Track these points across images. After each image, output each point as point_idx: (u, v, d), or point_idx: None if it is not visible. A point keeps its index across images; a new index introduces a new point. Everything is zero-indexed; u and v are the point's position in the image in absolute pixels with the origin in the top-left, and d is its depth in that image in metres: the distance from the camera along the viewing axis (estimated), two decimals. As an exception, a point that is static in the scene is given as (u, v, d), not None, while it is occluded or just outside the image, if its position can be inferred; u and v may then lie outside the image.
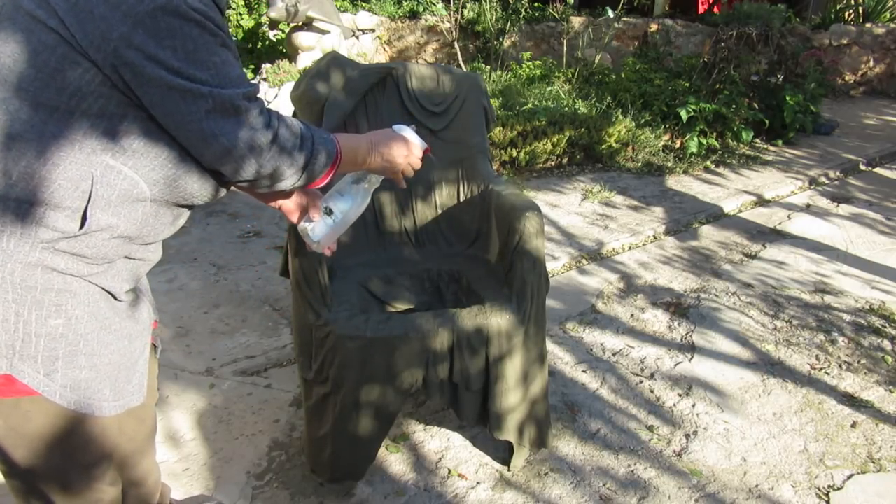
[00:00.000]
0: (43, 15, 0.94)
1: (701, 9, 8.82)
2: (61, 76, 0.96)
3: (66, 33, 0.94)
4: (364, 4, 7.68)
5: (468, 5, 7.38)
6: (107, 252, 1.07)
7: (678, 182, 4.85)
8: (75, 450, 1.14)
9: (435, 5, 7.43)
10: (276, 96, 5.09)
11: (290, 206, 1.41)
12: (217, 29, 1.03)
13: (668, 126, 5.52)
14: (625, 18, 7.51)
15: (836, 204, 4.55)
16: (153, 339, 1.33)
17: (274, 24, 5.58)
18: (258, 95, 1.11)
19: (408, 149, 1.38)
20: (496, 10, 7.22)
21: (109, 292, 1.12)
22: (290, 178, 1.15)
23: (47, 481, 1.14)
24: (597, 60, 6.69)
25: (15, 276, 0.99)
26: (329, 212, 1.37)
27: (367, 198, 1.42)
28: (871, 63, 8.06)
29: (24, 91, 0.96)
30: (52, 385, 1.05)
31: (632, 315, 2.98)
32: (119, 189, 1.03)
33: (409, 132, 1.40)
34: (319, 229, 1.38)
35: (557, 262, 3.44)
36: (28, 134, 0.97)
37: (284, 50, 5.80)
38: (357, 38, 6.86)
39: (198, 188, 1.12)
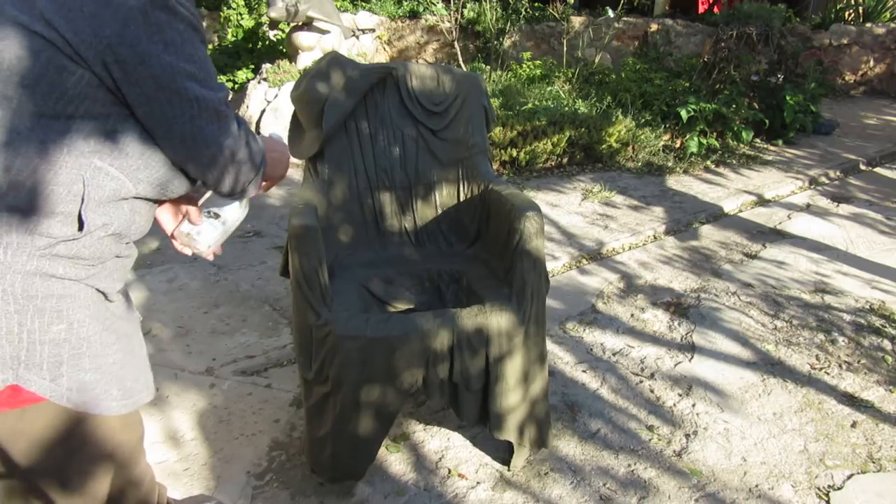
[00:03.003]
0: (27, 20, 0.93)
1: (701, 9, 8.82)
2: (46, 81, 0.95)
3: (52, 35, 0.94)
4: (364, 4, 7.67)
5: (468, 5, 7.38)
6: (102, 251, 1.08)
7: (678, 182, 4.85)
8: (79, 449, 1.14)
9: (435, 5, 7.43)
10: (276, 96, 5.09)
11: (166, 211, 1.31)
12: (199, 25, 1.05)
13: (668, 126, 5.52)
14: (625, 18, 7.51)
15: (836, 204, 4.55)
16: None
17: (274, 24, 5.58)
18: (230, 104, 1.13)
19: (288, 156, 1.40)
20: (496, 9, 7.22)
21: (103, 293, 1.12)
22: (253, 185, 1.20)
23: (50, 481, 1.14)
24: (597, 60, 6.69)
25: (16, 286, 0.99)
26: (216, 216, 1.33)
27: (248, 204, 1.41)
28: (871, 63, 8.06)
29: (8, 99, 0.95)
30: (59, 389, 1.05)
31: (632, 315, 2.98)
32: (108, 190, 1.03)
33: (279, 136, 1.42)
34: (208, 234, 1.33)
35: (557, 262, 3.44)
36: (16, 142, 0.96)
37: (284, 50, 5.80)
38: (357, 38, 6.86)
39: (177, 185, 1.14)
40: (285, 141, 1.43)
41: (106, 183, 1.03)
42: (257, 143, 1.19)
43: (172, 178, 1.12)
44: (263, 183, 1.31)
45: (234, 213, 1.37)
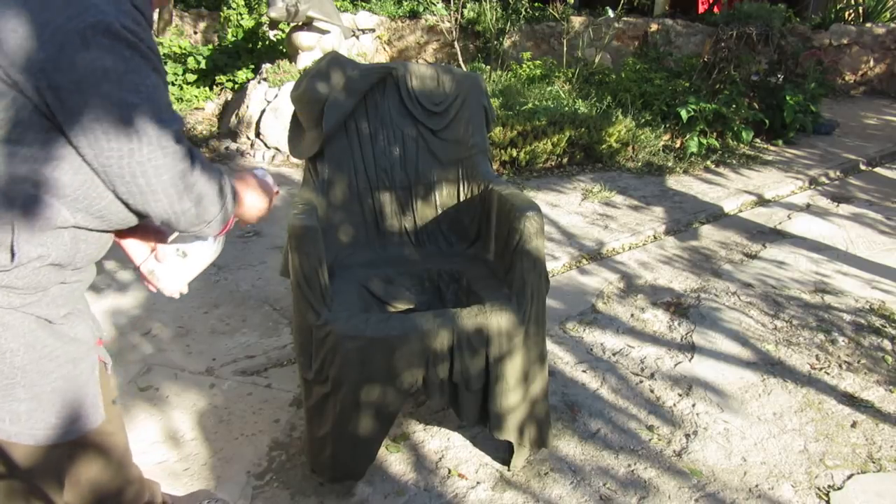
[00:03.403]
0: None
1: (701, 9, 8.81)
2: None
3: None
4: (364, 4, 7.67)
5: (468, 5, 7.38)
6: (39, 281, 1.03)
7: (678, 182, 4.85)
8: (26, 476, 1.11)
9: (435, 5, 7.43)
10: (276, 96, 5.09)
11: (136, 244, 1.27)
12: (149, 51, 0.98)
13: (668, 126, 5.52)
14: (625, 18, 7.51)
15: (836, 204, 4.55)
16: (101, 357, 1.27)
17: (274, 24, 5.58)
18: (184, 136, 1.05)
19: (271, 195, 1.33)
20: (496, 9, 7.21)
21: (46, 319, 1.07)
22: (200, 229, 1.10)
23: (49, 482, 1.13)
24: (597, 60, 6.69)
25: None
26: (184, 254, 1.28)
27: (223, 241, 1.34)
28: (871, 63, 8.06)
29: None
30: None
31: (632, 315, 2.98)
32: (42, 219, 0.98)
33: (265, 176, 1.36)
34: (173, 273, 1.29)
35: (557, 262, 3.44)
36: None
37: (284, 50, 5.80)
38: (357, 38, 6.86)
39: (123, 217, 1.07)
40: (270, 180, 1.35)
41: (39, 210, 0.97)
42: (218, 178, 1.09)
43: (116, 211, 1.04)
44: (236, 220, 1.23)
45: (204, 252, 1.31)
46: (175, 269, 1.29)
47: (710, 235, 3.95)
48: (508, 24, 7.31)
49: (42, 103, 0.93)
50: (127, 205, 1.03)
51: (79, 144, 0.95)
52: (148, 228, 1.24)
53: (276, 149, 5.02)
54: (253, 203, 1.27)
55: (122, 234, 1.23)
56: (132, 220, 1.09)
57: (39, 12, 0.91)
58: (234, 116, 5.21)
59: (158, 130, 0.97)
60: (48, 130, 0.95)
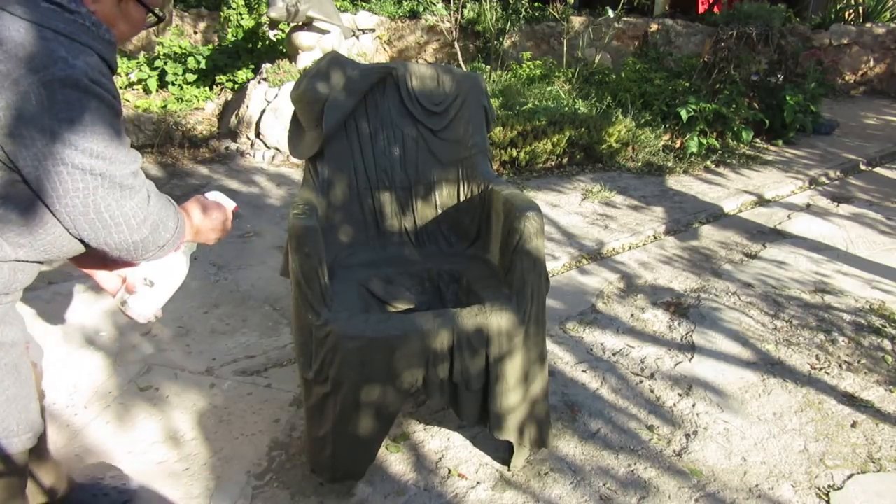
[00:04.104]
0: None
1: (701, 9, 8.81)
2: None
3: None
4: (364, 4, 7.67)
5: (468, 5, 7.38)
6: None
7: (678, 182, 4.85)
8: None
9: (435, 5, 7.43)
10: (276, 96, 5.09)
11: (106, 276, 1.36)
12: (113, 99, 1.04)
13: (668, 126, 5.52)
14: (625, 18, 7.51)
15: (836, 204, 4.55)
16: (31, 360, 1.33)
17: (274, 24, 5.57)
18: (141, 174, 1.12)
19: (223, 216, 1.40)
20: (496, 9, 7.21)
21: None
22: (154, 254, 1.17)
23: None
24: (597, 60, 6.69)
25: None
26: (150, 283, 1.34)
27: (188, 264, 1.41)
28: (872, 63, 8.06)
29: None
30: None
31: (632, 315, 2.98)
32: None
33: (221, 197, 1.43)
34: (140, 302, 1.35)
35: (557, 262, 3.44)
36: None
37: (284, 50, 5.79)
38: (357, 38, 6.86)
39: (69, 249, 1.13)
40: (222, 198, 1.43)
41: None
42: (169, 206, 1.18)
43: (61, 245, 1.11)
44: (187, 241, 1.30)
45: (173, 276, 1.37)
46: (144, 298, 1.35)
47: (710, 235, 3.95)
48: (508, 24, 7.31)
49: (1, 151, 0.97)
50: (83, 240, 1.09)
51: (36, 186, 1.01)
52: (117, 262, 1.29)
53: (276, 149, 5.01)
54: (205, 223, 1.34)
55: (91, 267, 1.32)
56: (75, 252, 1.16)
57: (3, 62, 0.94)
58: (234, 116, 5.21)
59: (120, 169, 1.05)
60: (1, 169, 1.00)
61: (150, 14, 1.18)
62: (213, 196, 1.43)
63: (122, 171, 1.05)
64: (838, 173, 5.20)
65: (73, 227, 1.06)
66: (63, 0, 1.01)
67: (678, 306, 3.06)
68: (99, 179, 1.02)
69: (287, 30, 5.51)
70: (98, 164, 1.01)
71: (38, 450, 1.51)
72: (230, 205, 1.44)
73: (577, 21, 7.34)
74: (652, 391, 2.43)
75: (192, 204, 1.34)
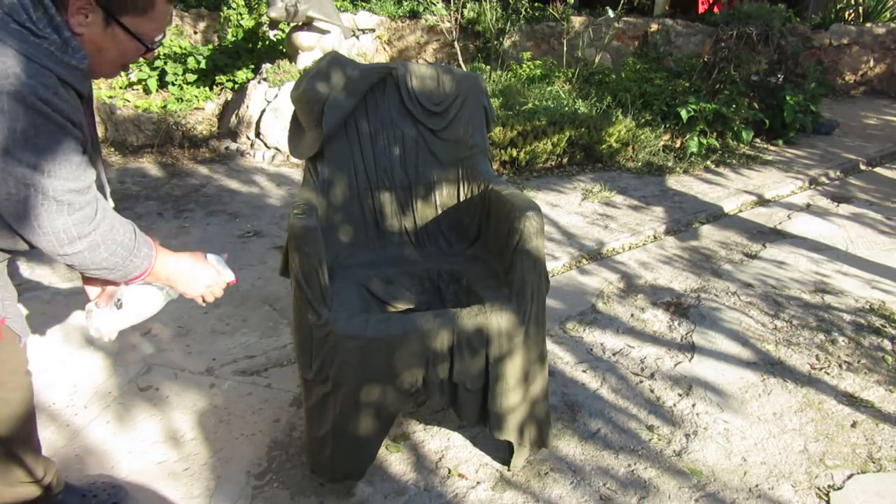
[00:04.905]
0: None
1: (701, 9, 8.81)
2: None
3: None
4: (364, 4, 7.67)
5: (468, 5, 7.38)
6: None
7: (678, 182, 4.85)
8: None
9: (435, 5, 7.43)
10: (276, 96, 5.09)
11: (94, 284, 1.43)
12: (64, 121, 1.10)
13: (668, 126, 5.52)
14: (625, 18, 7.51)
15: (836, 204, 4.55)
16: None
17: (274, 24, 5.57)
18: (90, 193, 1.18)
19: (213, 279, 1.44)
20: (496, 9, 7.21)
21: None
22: (100, 273, 1.23)
23: None
24: (597, 60, 6.69)
25: None
26: (119, 305, 1.38)
27: (162, 304, 1.45)
28: (872, 63, 8.06)
29: None
30: None
31: (632, 315, 2.98)
32: None
33: (220, 263, 1.46)
34: (102, 318, 1.38)
35: (557, 262, 3.44)
36: None
37: (284, 50, 5.79)
38: (357, 37, 6.85)
39: (12, 242, 1.19)
40: (224, 266, 1.48)
41: None
42: (120, 238, 1.22)
43: (10, 236, 1.19)
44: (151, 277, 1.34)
45: (143, 306, 1.39)
46: (108, 316, 1.38)
47: (710, 235, 3.95)
48: (508, 24, 7.31)
49: None
50: (20, 234, 1.17)
51: None
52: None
53: (276, 149, 5.02)
54: (189, 275, 1.40)
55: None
56: (20, 247, 1.22)
57: None
58: (234, 116, 5.21)
59: (59, 185, 1.11)
60: None
61: (142, 44, 1.23)
62: (214, 259, 1.46)
63: (61, 187, 1.11)
64: (838, 173, 5.20)
65: (13, 225, 1.14)
66: (33, 24, 1.08)
67: (678, 306, 3.06)
68: (31, 190, 1.08)
69: (287, 30, 5.51)
70: (33, 176, 1.08)
71: (31, 446, 1.55)
72: (228, 275, 1.47)
73: (577, 21, 7.34)
74: (652, 391, 2.43)
75: (185, 253, 1.41)
